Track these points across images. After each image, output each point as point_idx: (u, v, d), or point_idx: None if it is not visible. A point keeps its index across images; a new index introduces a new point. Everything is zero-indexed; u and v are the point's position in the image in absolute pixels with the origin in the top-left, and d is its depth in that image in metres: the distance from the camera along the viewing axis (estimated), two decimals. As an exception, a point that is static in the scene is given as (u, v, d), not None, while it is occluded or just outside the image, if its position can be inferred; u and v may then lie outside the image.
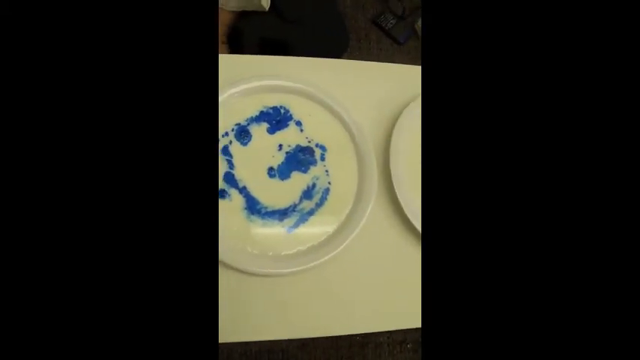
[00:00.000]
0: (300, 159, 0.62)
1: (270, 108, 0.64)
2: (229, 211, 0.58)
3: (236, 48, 1.04)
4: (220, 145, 0.61)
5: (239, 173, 0.60)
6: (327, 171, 0.62)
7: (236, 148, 0.62)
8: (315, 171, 0.62)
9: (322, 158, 0.63)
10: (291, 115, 0.64)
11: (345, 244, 0.58)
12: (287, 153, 0.62)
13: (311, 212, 0.60)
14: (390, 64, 0.74)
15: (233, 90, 0.63)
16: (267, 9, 1.01)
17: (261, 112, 0.64)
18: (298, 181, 0.61)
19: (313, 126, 0.64)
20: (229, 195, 0.59)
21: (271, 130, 0.63)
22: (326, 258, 0.57)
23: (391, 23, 1.49)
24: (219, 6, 0.99)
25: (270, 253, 0.57)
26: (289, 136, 0.63)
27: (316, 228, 0.59)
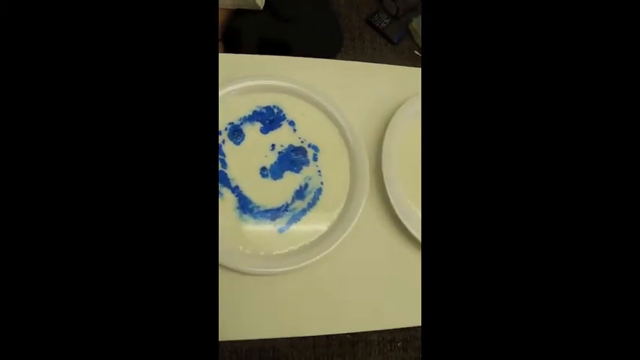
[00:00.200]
0: (292, 159, 0.62)
1: (264, 107, 0.64)
2: (222, 210, 0.58)
3: (230, 46, 1.04)
4: (213, 144, 0.61)
5: (232, 172, 0.60)
6: (319, 171, 0.62)
7: (229, 147, 0.62)
8: (307, 171, 0.62)
9: (315, 158, 0.63)
10: (284, 114, 0.64)
11: (336, 243, 0.58)
12: (280, 153, 0.62)
13: (303, 212, 0.60)
14: (383, 65, 0.74)
15: (226, 89, 0.63)
16: (261, 7, 1.01)
17: (255, 112, 0.64)
18: (291, 180, 0.61)
19: (306, 126, 0.64)
20: (222, 194, 0.59)
21: (264, 130, 0.63)
22: (318, 257, 0.57)
23: (385, 23, 1.50)
24: None
25: (262, 253, 0.58)
26: (282, 136, 0.63)
27: (308, 228, 0.60)
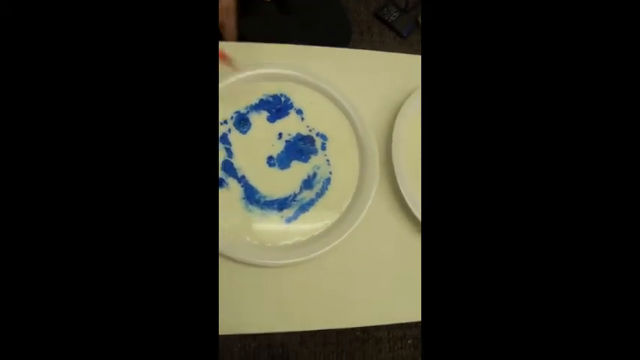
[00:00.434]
0: (300, 148, 0.61)
1: (270, 96, 0.63)
2: (227, 200, 0.57)
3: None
4: (219, 133, 0.60)
5: (238, 162, 0.59)
6: (328, 160, 0.61)
7: (235, 136, 0.60)
8: (315, 160, 0.61)
9: (323, 147, 0.61)
10: (291, 103, 0.63)
11: (345, 235, 0.56)
12: (287, 142, 0.61)
13: (311, 202, 0.58)
14: (393, 53, 0.72)
15: (233, 77, 0.61)
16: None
17: (261, 100, 0.62)
18: (298, 170, 0.60)
19: (314, 115, 0.63)
20: (227, 184, 0.58)
21: (271, 119, 0.62)
22: (326, 249, 0.55)
23: (394, 16, 1.48)
24: None
25: (269, 244, 0.56)
26: (290, 125, 0.62)
27: (316, 218, 0.58)
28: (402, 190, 0.59)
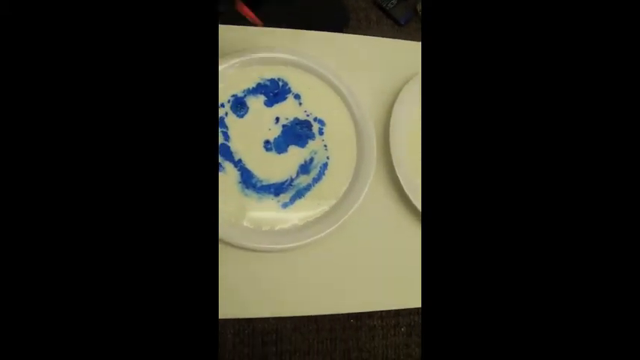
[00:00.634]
0: (297, 132, 0.60)
1: (268, 80, 0.62)
2: (224, 184, 0.57)
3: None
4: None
5: (234, 146, 0.59)
6: (325, 146, 0.60)
7: (232, 120, 0.60)
8: (313, 145, 0.60)
9: (321, 132, 0.61)
10: (289, 88, 0.62)
11: (341, 220, 0.56)
12: (284, 126, 0.60)
13: (308, 187, 0.58)
14: (391, 39, 0.72)
15: (230, 61, 0.60)
16: None
17: (258, 85, 0.61)
18: (295, 155, 0.60)
19: (312, 100, 0.62)
20: (224, 168, 0.57)
21: (269, 103, 0.61)
22: (322, 235, 0.56)
23: (392, 4, 1.46)
24: None
25: (265, 228, 0.56)
26: (287, 109, 0.61)
27: (312, 204, 0.58)
28: (399, 177, 0.59)
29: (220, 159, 0.58)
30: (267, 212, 0.57)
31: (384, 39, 0.72)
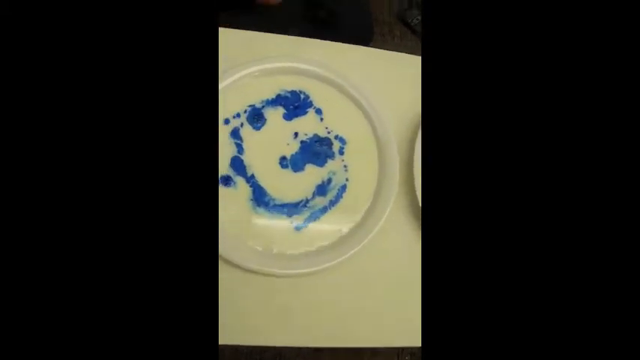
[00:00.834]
0: (316, 150, 0.56)
1: (289, 92, 0.58)
2: (234, 200, 0.53)
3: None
4: (230, 128, 0.56)
5: (248, 159, 0.55)
6: (345, 166, 0.56)
7: (247, 132, 0.56)
8: (332, 165, 0.56)
9: (341, 152, 0.57)
10: (311, 101, 0.59)
11: (357, 247, 0.52)
12: (302, 142, 0.56)
13: (324, 210, 0.54)
14: (418, 56, 0.68)
15: (249, 69, 0.57)
16: None
17: (278, 96, 0.58)
18: (313, 174, 0.56)
19: (334, 115, 0.59)
20: (235, 183, 0.54)
21: (287, 117, 0.57)
22: (335, 262, 0.51)
23: (417, 19, 1.43)
24: None
25: (275, 251, 0.52)
26: (307, 124, 0.58)
27: (328, 227, 0.54)
28: (421, 203, 0.55)
29: (232, 173, 0.54)
30: (278, 234, 0.53)
31: (412, 55, 0.68)
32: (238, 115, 0.56)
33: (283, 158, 0.56)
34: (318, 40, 0.64)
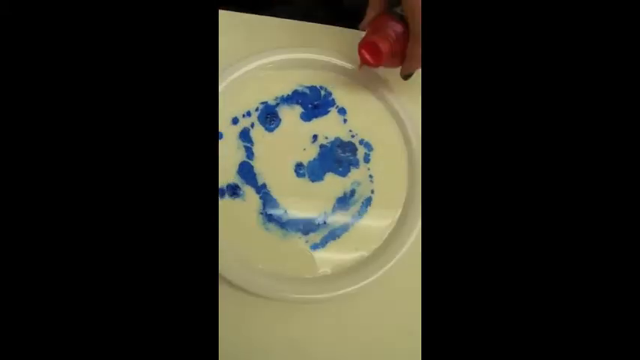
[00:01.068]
0: (338, 157, 0.49)
1: (307, 87, 0.51)
2: (241, 213, 0.46)
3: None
4: (239, 128, 0.49)
5: (259, 166, 0.48)
6: (370, 176, 0.49)
7: (259, 133, 0.49)
8: (356, 174, 0.49)
9: (366, 159, 0.49)
10: (333, 99, 0.51)
11: (382, 270, 0.45)
12: (322, 147, 0.49)
13: (345, 227, 0.47)
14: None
15: (263, 60, 0.50)
16: None
17: (295, 92, 0.51)
18: (333, 185, 0.48)
19: (360, 117, 0.51)
20: (243, 192, 0.47)
21: (306, 116, 0.50)
22: (357, 286, 0.44)
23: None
24: None
25: (287, 274, 0.45)
26: (328, 126, 0.50)
27: (349, 248, 0.46)
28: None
29: (240, 181, 0.47)
30: (291, 254, 0.46)
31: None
32: (249, 113, 0.49)
33: (300, 165, 0.48)
34: (344, 29, 0.56)
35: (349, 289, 0.44)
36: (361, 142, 0.50)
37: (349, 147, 0.50)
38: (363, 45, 0.47)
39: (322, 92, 0.51)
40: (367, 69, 0.50)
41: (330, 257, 0.46)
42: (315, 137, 0.50)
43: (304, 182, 0.48)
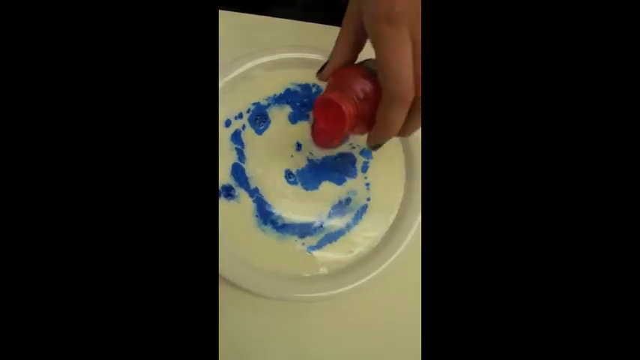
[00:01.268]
0: (335, 167, 0.48)
1: (299, 85, 0.49)
2: (236, 214, 0.46)
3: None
4: (231, 130, 0.48)
5: (251, 169, 0.47)
6: (367, 184, 0.48)
7: (249, 135, 0.48)
8: (353, 184, 0.48)
9: (364, 169, 0.49)
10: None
11: (377, 271, 0.46)
12: (310, 161, 0.48)
13: (340, 232, 0.47)
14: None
15: (260, 60, 0.48)
16: None
17: (287, 90, 0.49)
18: (329, 192, 0.48)
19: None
20: (237, 195, 0.46)
21: (293, 118, 0.48)
22: (352, 286, 0.45)
23: None
24: None
25: (283, 273, 0.46)
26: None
27: (344, 250, 0.47)
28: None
29: (234, 183, 0.47)
30: (287, 255, 0.46)
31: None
32: (241, 115, 0.48)
33: (289, 173, 0.48)
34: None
35: (345, 289, 0.45)
36: (362, 152, 0.49)
37: (349, 158, 0.49)
38: (321, 103, 0.36)
39: (314, 89, 0.49)
40: None
41: (326, 258, 0.47)
42: (298, 145, 0.48)
43: (297, 190, 0.47)
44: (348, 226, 0.47)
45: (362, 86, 0.35)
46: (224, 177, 0.47)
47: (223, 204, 0.46)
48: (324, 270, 0.47)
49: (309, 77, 0.49)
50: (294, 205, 0.47)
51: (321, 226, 0.47)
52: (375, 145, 0.40)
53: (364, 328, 0.48)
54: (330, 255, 0.47)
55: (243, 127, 0.48)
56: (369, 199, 0.48)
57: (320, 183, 0.48)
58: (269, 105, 0.48)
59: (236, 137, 0.47)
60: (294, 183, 0.47)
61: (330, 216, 0.47)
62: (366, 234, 0.48)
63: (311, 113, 0.42)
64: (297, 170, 0.48)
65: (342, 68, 0.37)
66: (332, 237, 0.47)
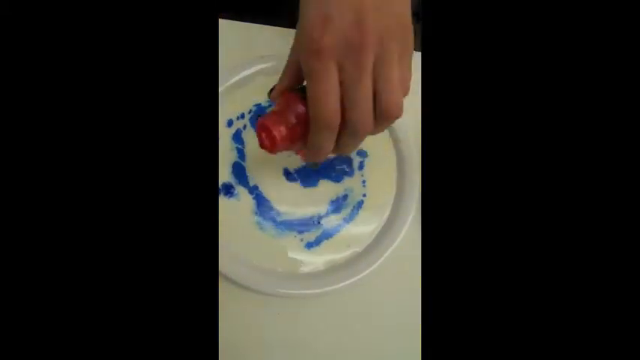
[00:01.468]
0: (333, 167, 0.50)
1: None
2: (236, 213, 0.47)
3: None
4: (233, 130, 0.49)
5: (251, 168, 0.49)
6: (363, 181, 0.50)
7: (250, 135, 0.50)
8: (349, 182, 0.50)
9: (361, 167, 0.51)
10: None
11: (373, 266, 0.47)
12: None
13: (337, 228, 0.49)
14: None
15: (259, 66, 0.50)
16: None
17: (289, 91, 0.51)
18: (327, 189, 0.50)
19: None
20: (237, 193, 0.48)
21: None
22: (350, 281, 0.47)
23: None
24: None
25: (281, 270, 0.47)
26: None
27: (341, 245, 0.49)
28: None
29: (234, 181, 0.48)
30: (285, 251, 0.48)
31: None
32: (242, 115, 0.50)
33: (288, 171, 0.49)
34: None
35: (342, 284, 0.47)
36: (358, 152, 0.51)
37: (346, 157, 0.51)
38: (259, 125, 0.39)
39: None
40: None
41: (324, 254, 0.48)
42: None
43: (296, 186, 0.49)
44: (345, 222, 0.49)
45: (299, 110, 0.38)
46: (224, 175, 0.48)
47: (223, 202, 0.48)
48: (321, 266, 0.48)
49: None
50: (294, 201, 0.49)
51: (319, 223, 0.49)
52: (312, 163, 0.44)
53: (363, 322, 0.49)
54: (328, 251, 0.48)
55: (244, 127, 0.50)
56: (364, 195, 0.50)
57: (318, 180, 0.50)
58: (270, 106, 0.50)
59: (237, 137, 0.49)
60: (293, 180, 0.49)
61: (327, 213, 0.49)
62: (362, 229, 0.49)
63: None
64: (295, 169, 0.50)
65: (286, 91, 0.40)
66: (329, 233, 0.49)
